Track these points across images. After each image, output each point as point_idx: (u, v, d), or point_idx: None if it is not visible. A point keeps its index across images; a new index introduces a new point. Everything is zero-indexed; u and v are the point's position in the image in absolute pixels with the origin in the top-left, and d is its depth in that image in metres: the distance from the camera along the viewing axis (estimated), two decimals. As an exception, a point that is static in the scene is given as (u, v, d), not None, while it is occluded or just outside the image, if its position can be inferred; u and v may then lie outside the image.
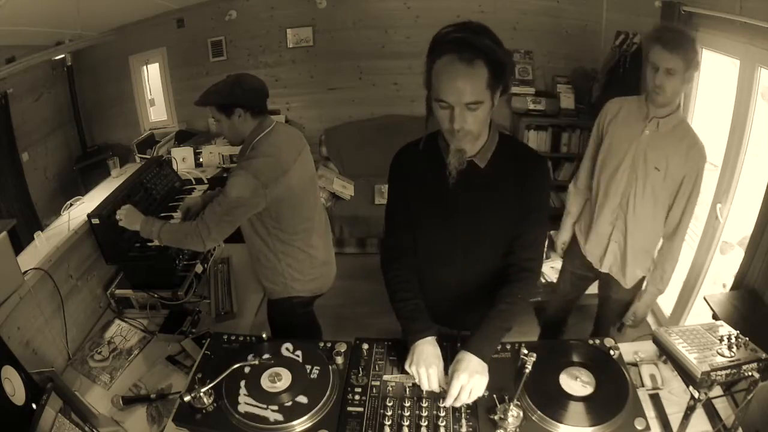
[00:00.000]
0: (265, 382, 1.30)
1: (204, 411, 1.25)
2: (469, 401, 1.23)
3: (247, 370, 1.33)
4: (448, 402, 1.22)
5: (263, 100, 1.81)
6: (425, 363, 1.26)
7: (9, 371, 1.21)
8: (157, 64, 4.30)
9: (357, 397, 1.28)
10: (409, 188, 1.38)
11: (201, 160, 3.66)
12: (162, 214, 2.14)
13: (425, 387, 1.27)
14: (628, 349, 1.43)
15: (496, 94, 1.17)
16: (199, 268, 2.15)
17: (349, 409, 1.25)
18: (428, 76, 1.18)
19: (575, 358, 1.32)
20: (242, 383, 1.30)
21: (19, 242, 1.94)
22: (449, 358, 1.34)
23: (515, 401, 1.18)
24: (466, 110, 1.15)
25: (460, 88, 1.12)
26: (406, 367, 1.29)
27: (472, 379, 1.22)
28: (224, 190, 1.73)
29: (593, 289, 2.85)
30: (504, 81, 1.16)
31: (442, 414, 1.22)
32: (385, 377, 1.33)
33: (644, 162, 1.81)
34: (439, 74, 1.14)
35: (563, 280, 2.30)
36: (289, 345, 1.42)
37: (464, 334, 1.36)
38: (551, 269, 2.89)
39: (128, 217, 1.86)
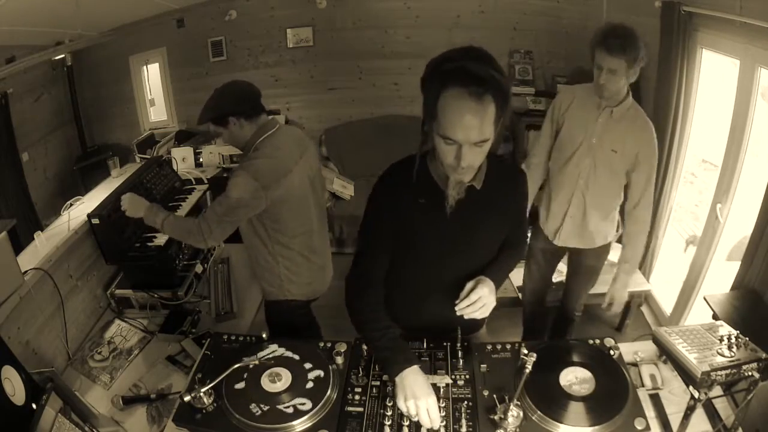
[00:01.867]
0: (265, 382, 1.30)
1: (204, 411, 1.25)
2: (477, 315, 1.29)
3: (246, 370, 1.33)
4: (463, 305, 1.27)
5: (253, 102, 1.81)
6: (423, 394, 1.19)
7: (9, 371, 1.21)
8: (157, 64, 4.29)
9: (357, 397, 1.28)
10: (401, 213, 1.30)
11: (201, 160, 3.65)
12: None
13: (426, 424, 1.18)
14: (628, 349, 1.43)
15: (498, 127, 1.12)
16: (199, 268, 2.15)
17: (349, 409, 1.26)
18: (430, 106, 1.10)
19: (575, 358, 1.32)
20: (242, 383, 1.30)
21: (19, 242, 1.94)
22: (448, 357, 1.37)
23: (515, 401, 1.18)
24: (473, 147, 1.11)
25: (469, 127, 1.07)
26: (400, 404, 1.20)
27: (491, 296, 1.30)
28: (225, 191, 1.72)
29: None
30: (507, 112, 1.10)
31: (442, 414, 1.22)
32: (385, 377, 1.33)
33: (601, 146, 1.95)
34: (446, 110, 1.07)
35: (534, 261, 2.38)
36: (288, 344, 1.42)
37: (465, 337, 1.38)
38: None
39: (132, 205, 1.85)
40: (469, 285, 1.32)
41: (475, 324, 1.49)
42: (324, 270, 2.07)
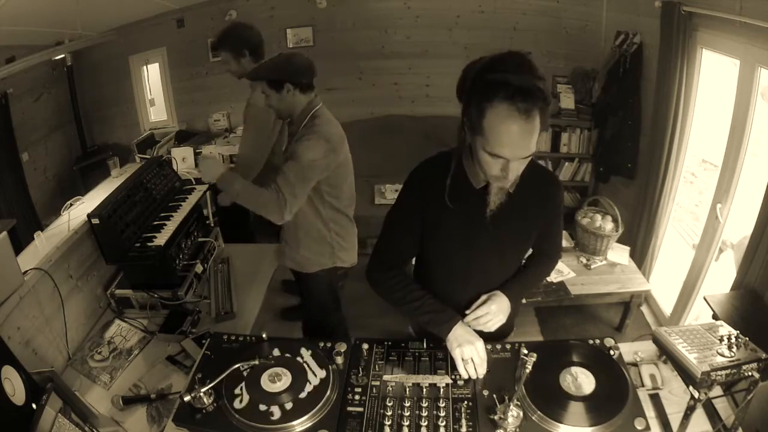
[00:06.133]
0: (265, 382, 1.30)
1: (204, 411, 1.25)
2: (481, 327, 1.37)
3: (246, 370, 1.33)
4: (470, 317, 1.35)
5: (310, 78, 1.93)
6: (473, 339, 1.31)
7: (9, 371, 1.21)
8: (157, 64, 4.30)
9: (357, 397, 1.28)
10: (429, 210, 1.31)
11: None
12: (162, 214, 2.14)
13: (478, 363, 1.29)
14: (628, 349, 1.43)
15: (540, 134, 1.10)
16: (199, 268, 2.15)
17: (349, 409, 1.25)
18: (474, 120, 1.08)
19: (575, 358, 1.32)
20: (242, 383, 1.30)
21: (19, 242, 1.94)
22: (448, 357, 1.36)
23: (515, 401, 1.18)
24: (520, 160, 1.11)
25: (519, 145, 1.06)
26: (455, 352, 1.30)
27: (499, 314, 1.37)
28: (294, 157, 1.78)
29: (593, 288, 2.87)
30: (548, 118, 1.08)
31: (442, 414, 1.22)
32: (385, 377, 1.33)
33: None
34: (494, 128, 1.05)
35: None
36: (288, 345, 1.42)
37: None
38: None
39: (209, 169, 1.87)
40: (482, 298, 1.39)
41: (498, 334, 1.48)
42: (356, 235, 2.25)
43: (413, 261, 1.56)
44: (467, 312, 1.38)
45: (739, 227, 2.40)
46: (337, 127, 1.97)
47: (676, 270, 2.99)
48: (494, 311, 1.37)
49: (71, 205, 2.16)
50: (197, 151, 3.69)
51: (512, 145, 1.06)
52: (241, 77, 2.49)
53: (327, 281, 2.20)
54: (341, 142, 1.94)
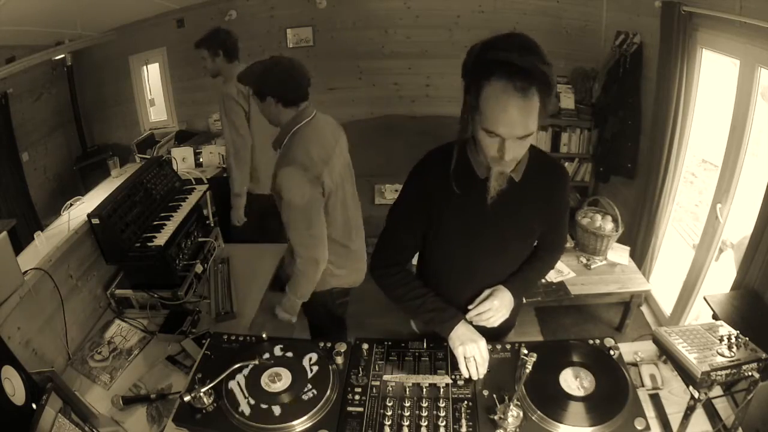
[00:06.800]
0: (265, 382, 1.30)
1: (204, 411, 1.25)
2: (484, 323, 1.36)
3: (246, 370, 1.33)
4: (472, 313, 1.34)
5: (297, 91, 1.76)
6: (476, 338, 1.30)
7: (9, 371, 1.21)
8: (157, 64, 4.30)
9: (357, 397, 1.28)
10: (433, 200, 1.29)
11: (201, 160, 3.66)
12: (162, 214, 2.14)
13: (480, 362, 1.29)
14: (628, 349, 1.42)
15: (542, 118, 1.09)
16: (199, 268, 2.15)
17: (349, 409, 1.25)
18: (472, 97, 1.08)
19: (575, 358, 1.32)
20: (242, 383, 1.30)
21: (19, 242, 1.94)
22: (448, 357, 1.37)
23: (515, 401, 1.18)
24: (517, 140, 1.09)
25: (514, 122, 1.05)
26: (457, 350, 1.29)
27: (502, 309, 1.36)
28: (283, 204, 1.72)
29: (593, 288, 2.87)
30: (550, 102, 1.07)
31: (442, 414, 1.22)
32: (385, 377, 1.33)
33: None
34: (490, 103, 1.04)
35: None
36: (288, 345, 1.42)
37: None
38: (551, 270, 2.89)
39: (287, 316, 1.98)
40: (485, 293, 1.38)
41: (500, 330, 1.49)
42: (362, 257, 2.12)
43: (416, 258, 1.54)
44: (470, 308, 1.36)
45: (739, 227, 2.40)
46: (323, 141, 1.79)
47: (676, 270, 3.00)
48: (497, 307, 1.35)
49: (71, 205, 2.16)
50: (197, 151, 3.69)
51: (508, 122, 1.05)
52: (215, 76, 2.79)
53: (321, 302, 2.05)
54: (325, 161, 1.74)
